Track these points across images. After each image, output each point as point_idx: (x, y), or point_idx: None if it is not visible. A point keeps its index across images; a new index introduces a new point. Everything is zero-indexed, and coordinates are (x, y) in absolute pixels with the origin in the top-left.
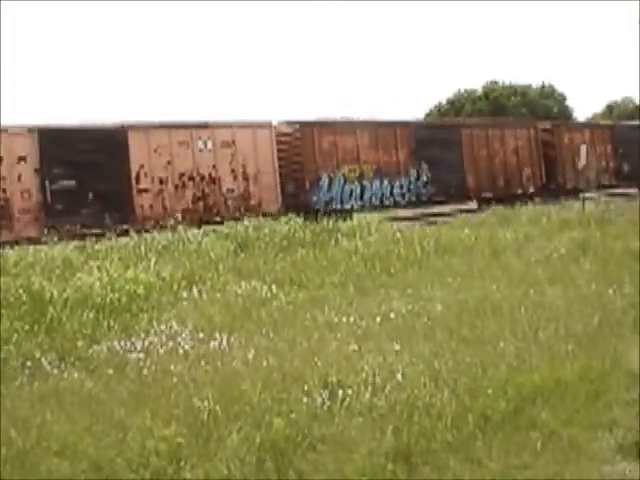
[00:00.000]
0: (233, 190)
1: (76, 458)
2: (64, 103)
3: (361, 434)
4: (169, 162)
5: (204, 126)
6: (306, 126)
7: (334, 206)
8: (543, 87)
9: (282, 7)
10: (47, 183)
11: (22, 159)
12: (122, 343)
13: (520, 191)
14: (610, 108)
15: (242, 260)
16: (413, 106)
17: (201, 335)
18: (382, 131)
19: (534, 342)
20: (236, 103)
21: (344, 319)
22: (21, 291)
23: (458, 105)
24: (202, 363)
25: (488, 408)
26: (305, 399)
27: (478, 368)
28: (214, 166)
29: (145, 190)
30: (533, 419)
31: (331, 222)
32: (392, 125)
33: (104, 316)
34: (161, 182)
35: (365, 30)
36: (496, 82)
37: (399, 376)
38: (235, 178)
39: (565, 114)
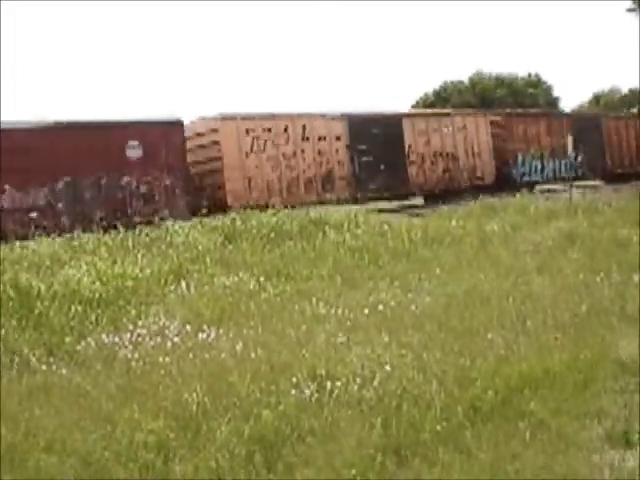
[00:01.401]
0: (465, 164)
1: (64, 453)
2: (62, 99)
3: (350, 426)
4: (427, 142)
5: (445, 114)
6: (509, 116)
7: (525, 178)
8: (530, 77)
9: None
10: (355, 157)
11: (338, 138)
12: (110, 337)
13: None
14: (597, 98)
15: (229, 252)
16: (399, 97)
17: (189, 328)
18: (554, 121)
19: (522, 332)
20: (231, 96)
21: (332, 311)
22: (8, 286)
23: (444, 96)
24: (190, 356)
25: (477, 399)
26: (294, 391)
27: (467, 359)
28: (454, 146)
29: (412, 162)
30: (522, 409)
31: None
32: (560, 116)
33: (92, 310)
34: (422, 157)
35: (350, 22)
36: (482, 73)
37: (388, 367)
38: (467, 156)
39: (552, 104)
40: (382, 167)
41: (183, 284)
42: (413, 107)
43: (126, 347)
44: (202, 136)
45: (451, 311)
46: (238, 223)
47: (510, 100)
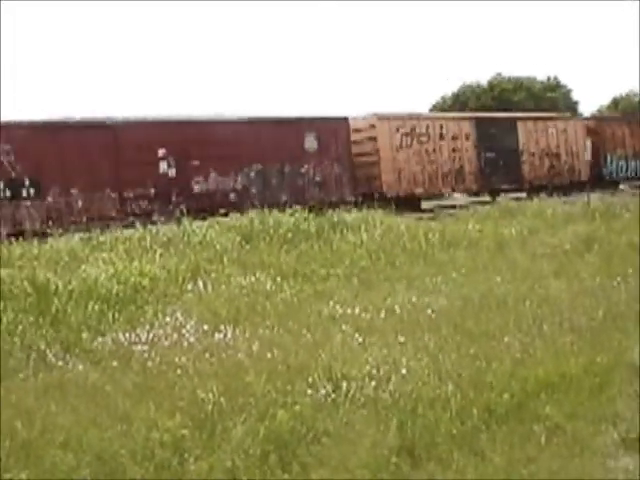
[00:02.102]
0: (566, 162)
1: (80, 450)
2: (60, 98)
3: (365, 427)
4: (536, 142)
5: (549, 118)
6: (599, 120)
7: (612, 176)
8: (548, 80)
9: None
10: (482, 154)
11: (467, 137)
12: (127, 335)
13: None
14: (616, 102)
15: (247, 252)
16: (417, 99)
17: (206, 327)
18: (636, 125)
19: (538, 336)
20: (236, 98)
21: (349, 312)
22: (26, 283)
23: (463, 98)
24: (207, 355)
25: (492, 402)
26: (309, 391)
27: (482, 362)
28: (558, 146)
29: (525, 160)
30: (537, 413)
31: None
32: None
33: (109, 308)
34: (532, 155)
35: (368, 24)
36: (501, 75)
37: (403, 369)
38: (567, 155)
39: (571, 108)
40: (501, 163)
41: (200, 283)
42: (430, 110)
43: (142, 345)
44: (359, 132)
45: (467, 314)
46: (256, 223)
47: (529, 104)
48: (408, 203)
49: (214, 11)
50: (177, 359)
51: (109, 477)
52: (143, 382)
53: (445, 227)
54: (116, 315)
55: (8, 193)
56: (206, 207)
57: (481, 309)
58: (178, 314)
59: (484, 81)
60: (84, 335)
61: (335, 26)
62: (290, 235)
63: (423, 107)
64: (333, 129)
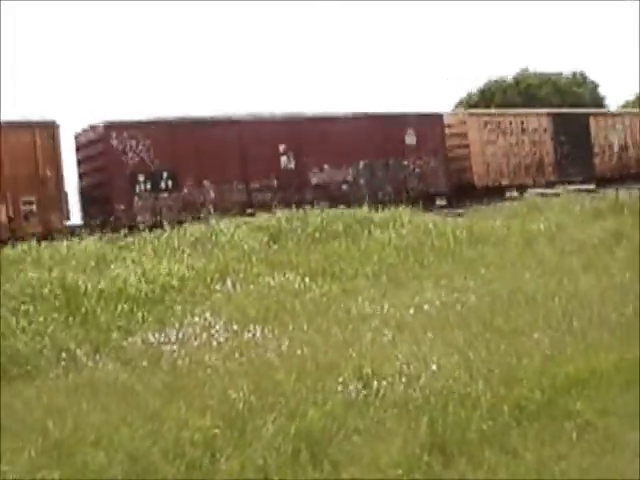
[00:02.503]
0: (632, 155)
1: (112, 448)
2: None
3: (396, 425)
4: (605, 136)
5: (618, 114)
6: None
7: None
8: (574, 75)
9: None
10: (557, 147)
11: (545, 131)
12: (156, 335)
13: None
14: None
15: (275, 252)
16: (443, 95)
17: (235, 327)
18: None
19: (568, 332)
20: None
21: (377, 310)
22: (55, 284)
23: (488, 94)
24: (236, 354)
25: (523, 398)
26: (340, 389)
27: (512, 358)
28: (624, 140)
29: (596, 154)
30: (568, 409)
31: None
32: None
33: (138, 308)
34: (602, 149)
35: (392, 22)
36: (527, 70)
37: (434, 367)
38: (633, 148)
39: (598, 104)
40: (575, 156)
41: (229, 283)
42: (457, 106)
43: (172, 345)
44: (450, 128)
45: (496, 310)
46: (283, 223)
47: (555, 99)
48: (495, 193)
49: (217, 12)
50: (207, 358)
51: (140, 476)
52: (173, 381)
53: (473, 224)
54: (145, 315)
55: (149, 185)
56: (322, 197)
57: (510, 305)
58: (207, 314)
59: (509, 77)
60: (113, 335)
61: (358, 24)
62: (318, 234)
63: (449, 104)
64: (429, 124)
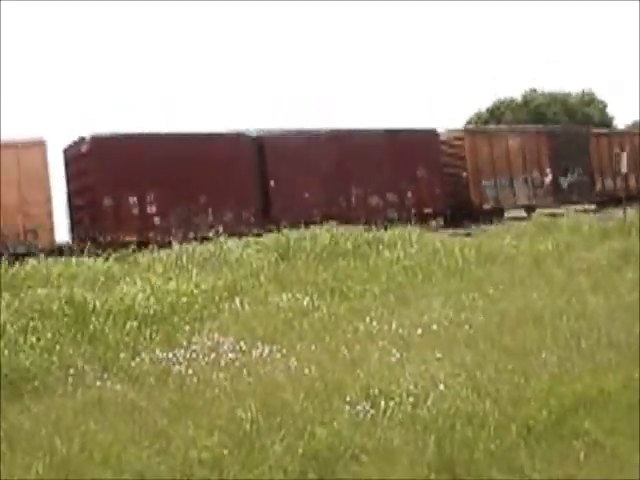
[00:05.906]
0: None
1: (119, 467)
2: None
3: (404, 444)
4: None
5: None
6: None
7: None
8: (583, 95)
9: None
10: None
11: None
12: (164, 353)
13: None
14: None
15: (283, 270)
16: (451, 115)
17: (243, 346)
18: None
19: (576, 351)
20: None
21: (386, 329)
22: (63, 302)
23: (497, 114)
24: (244, 373)
25: (531, 418)
26: (347, 409)
27: (520, 377)
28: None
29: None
30: (576, 429)
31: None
32: None
33: (147, 326)
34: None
35: (399, 39)
36: (535, 90)
37: (441, 386)
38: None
39: (606, 123)
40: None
41: (237, 301)
42: (466, 125)
43: (180, 363)
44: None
45: (504, 329)
46: (292, 242)
47: (564, 119)
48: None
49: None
50: (214, 377)
51: None
52: (181, 400)
53: (481, 243)
54: (153, 334)
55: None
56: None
57: (518, 324)
58: (215, 332)
59: (517, 96)
60: (122, 354)
61: (366, 41)
62: (326, 253)
63: (458, 123)
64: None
